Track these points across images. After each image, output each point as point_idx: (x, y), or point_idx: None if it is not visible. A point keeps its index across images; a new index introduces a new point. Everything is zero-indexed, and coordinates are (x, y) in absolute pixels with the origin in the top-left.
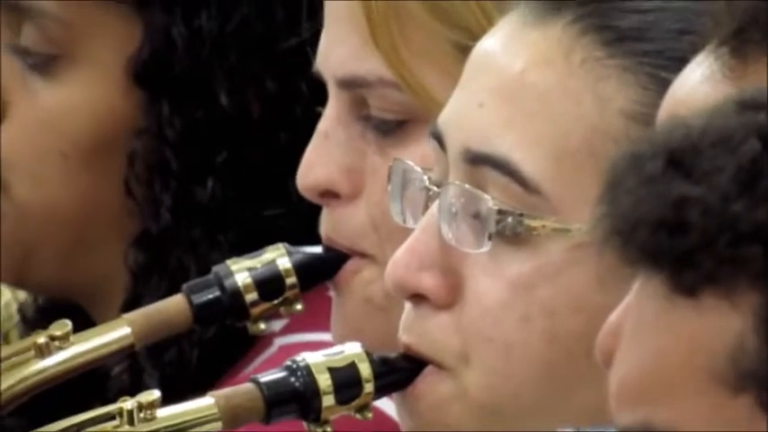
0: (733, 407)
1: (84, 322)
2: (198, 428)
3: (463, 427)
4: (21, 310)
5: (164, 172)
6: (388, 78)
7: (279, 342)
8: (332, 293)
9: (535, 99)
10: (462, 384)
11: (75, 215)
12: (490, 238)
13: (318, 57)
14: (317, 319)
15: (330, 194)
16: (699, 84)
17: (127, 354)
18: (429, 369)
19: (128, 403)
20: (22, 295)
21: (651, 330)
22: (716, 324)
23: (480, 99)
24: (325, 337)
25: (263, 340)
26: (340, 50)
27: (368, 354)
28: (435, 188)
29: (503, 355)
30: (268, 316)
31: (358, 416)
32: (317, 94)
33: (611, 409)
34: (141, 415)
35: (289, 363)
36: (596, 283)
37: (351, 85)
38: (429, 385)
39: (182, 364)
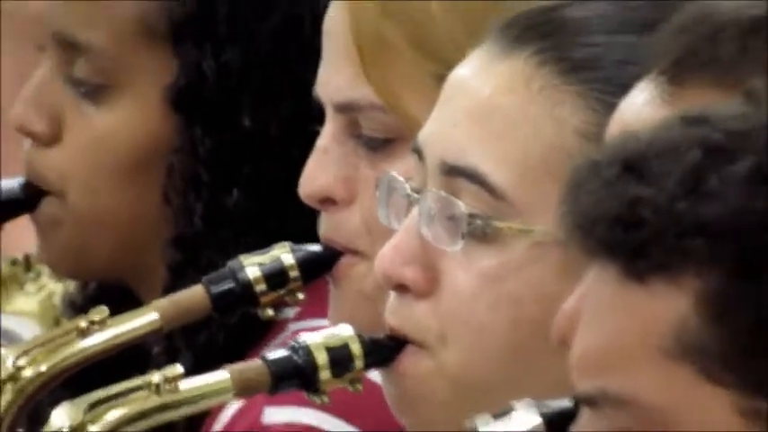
0: (677, 375)
1: (134, 304)
2: (214, 398)
3: (440, 399)
4: (68, 298)
5: (196, 184)
6: (377, 104)
7: (292, 327)
8: (329, 285)
9: (501, 120)
10: (440, 361)
11: (122, 220)
12: (463, 237)
13: (318, 84)
14: (325, 307)
15: (328, 201)
16: (641, 107)
17: (160, 335)
18: (411, 348)
19: (155, 376)
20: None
21: (607, 312)
22: (663, 306)
23: (454, 119)
24: (328, 322)
25: (279, 325)
26: (337, 79)
27: (359, 335)
28: (416, 195)
29: (475, 337)
30: (276, 304)
31: (350, 387)
32: (317, 114)
33: (573, 380)
34: (166, 387)
35: (292, 343)
36: (555, 276)
37: (346, 109)
38: (411, 362)
39: (211, 345)
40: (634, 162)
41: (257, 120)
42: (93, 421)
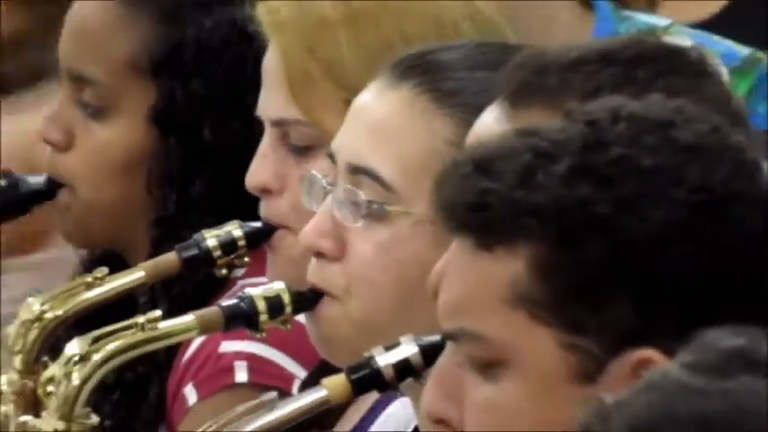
0: (514, 318)
1: (126, 266)
2: (183, 335)
3: (346, 335)
4: (79, 261)
5: (170, 180)
6: (302, 121)
7: (240, 283)
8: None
9: (391, 133)
10: (346, 309)
11: (117, 206)
12: (363, 217)
13: (259, 106)
14: (264, 268)
15: (266, 191)
16: (490, 123)
17: (145, 289)
18: (326, 299)
19: (140, 318)
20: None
21: (464, 272)
22: (504, 268)
23: (358, 133)
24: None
25: (231, 282)
26: (273, 103)
27: (288, 289)
28: (330, 187)
29: (371, 291)
30: (229, 266)
31: (282, 327)
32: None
33: (440, 321)
34: (148, 326)
35: (239, 294)
36: (429, 246)
37: (279, 124)
38: (325, 309)
39: (182, 296)
40: (482, 162)
41: (215, 132)
42: (96, 351)
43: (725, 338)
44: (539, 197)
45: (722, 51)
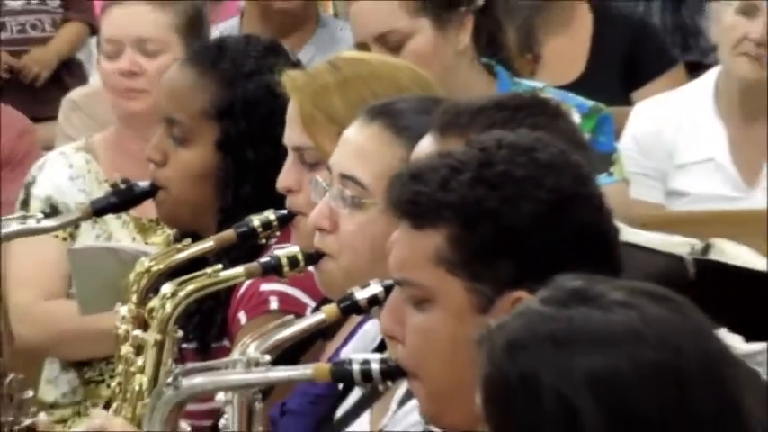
0: (438, 272)
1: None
2: (235, 279)
3: (338, 281)
4: (173, 237)
5: (228, 184)
6: (312, 146)
7: (273, 248)
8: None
9: (367, 155)
10: (338, 264)
11: (198, 203)
12: (348, 207)
13: (284, 137)
14: (289, 239)
15: (290, 191)
16: (424, 148)
17: (213, 253)
18: (325, 258)
19: (209, 270)
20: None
21: (405, 243)
22: (430, 240)
23: (346, 154)
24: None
25: (268, 247)
26: (293, 135)
27: (302, 251)
28: (328, 188)
29: (352, 252)
30: (266, 237)
31: (299, 274)
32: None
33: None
34: (213, 275)
35: (271, 255)
36: (389, 225)
37: (297, 149)
38: (325, 264)
39: (237, 257)
40: (416, 174)
41: (256, 155)
42: (181, 290)
43: (568, 281)
44: (451, 197)
45: (577, 103)
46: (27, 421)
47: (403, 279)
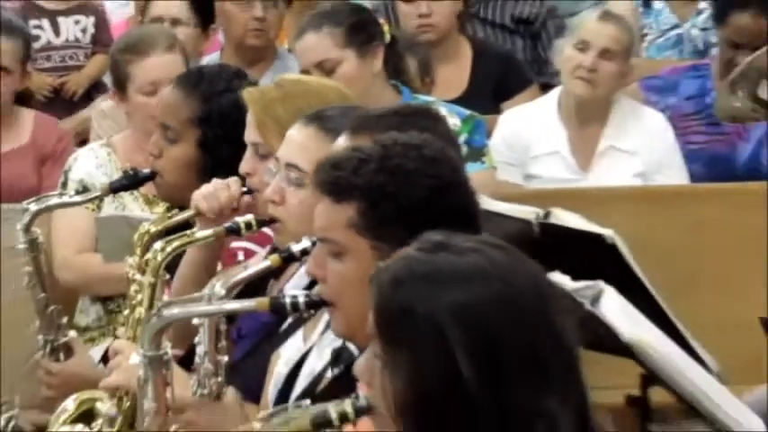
0: (350, 233)
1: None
2: (206, 239)
3: (285, 234)
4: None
5: (206, 172)
6: (264, 143)
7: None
8: None
9: (305, 149)
10: (285, 226)
11: (182, 184)
12: (292, 186)
13: (245, 136)
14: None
15: (248, 174)
16: (341, 143)
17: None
18: (277, 223)
19: (188, 232)
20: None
21: (325, 212)
22: (345, 211)
23: (291, 147)
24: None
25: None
26: (250, 134)
27: (255, 218)
28: (277, 173)
29: (294, 217)
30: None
31: (254, 234)
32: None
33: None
34: (191, 235)
35: (233, 221)
36: (318, 199)
37: (254, 144)
38: (277, 226)
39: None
40: (336, 162)
41: (226, 150)
42: (168, 245)
43: (434, 235)
44: (360, 180)
45: (458, 112)
46: (64, 339)
47: (324, 238)
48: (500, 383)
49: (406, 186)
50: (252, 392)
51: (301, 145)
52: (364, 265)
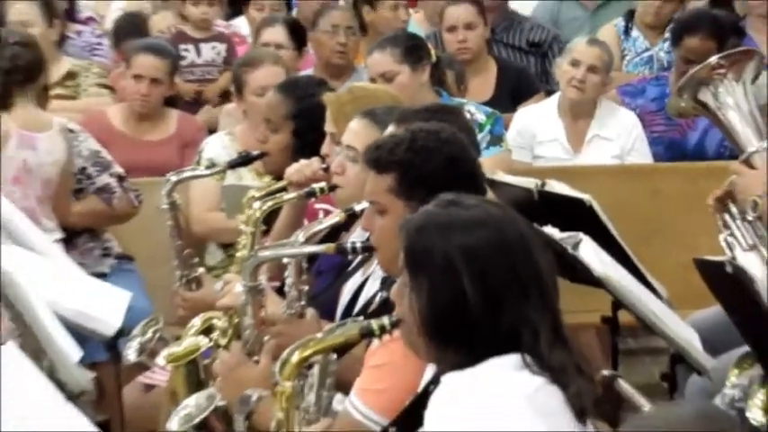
0: (390, 197)
1: None
2: (290, 201)
3: (345, 201)
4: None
5: (297, 151)
6: (336, 132)
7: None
8: None
9: (361, 135)
10: (345, 191)
11: (282, 161)
12: (350, 161)
13: (325, 126)
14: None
15: (326, 155)
16: (390, 130)
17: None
18: (338, 189)
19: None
20: None
21: (372, 181)
22: (385, 180)
23: (351, 134)
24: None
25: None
26: (328, 125)
27: (326, 184)
28: (341, 151)
29: (352, 185)
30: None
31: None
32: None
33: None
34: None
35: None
36: (366, 172)
37: (331, 134)
38: (338, 192)
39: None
40: (379, 144)
41: (312, 137)
42: (263, 205)
43: (447, 195)
44: (395, 158)
45: (483, 110)
46: (195, 275)
47: (371, 200)
48: (494, 301)
49: (426, 160)
50: (328, 314)
51: (357, 132)
52: (399, 220)
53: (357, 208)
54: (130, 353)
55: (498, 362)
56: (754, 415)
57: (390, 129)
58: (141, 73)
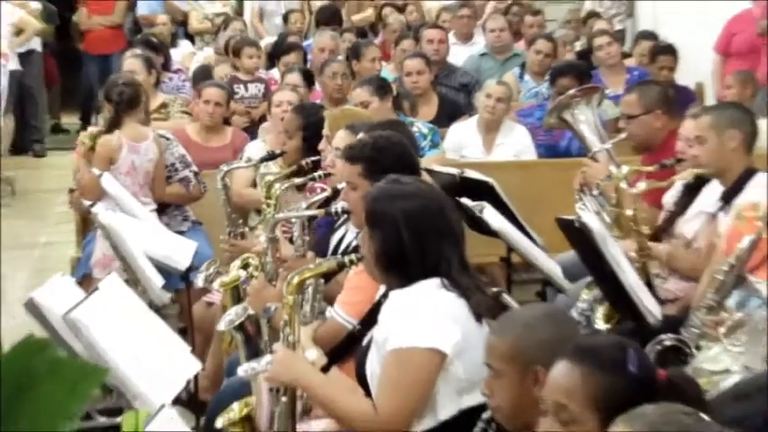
0: (359, 179)
1: None
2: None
3: (338, 180)
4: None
5: (305, 152)
6: (330, 136)
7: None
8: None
9: (342, 139)
10: (336, 177)
11: (297, 157)
12: (337, 157)
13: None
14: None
15: (332, 166)
16: (359, 137)
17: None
18: (331, 175)
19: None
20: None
21: (347, 169)
22: (355, 168)
23: (337, 138)
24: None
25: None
26: (324, 132)
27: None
28: (332, 151)
29: (339, 172)
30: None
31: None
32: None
33: None
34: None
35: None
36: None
37: (326, 137)
38: (332, 177)
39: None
40: (352, 146)
41: (313, 142)
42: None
43: (394, 176)
44: (363, 153)
45: (427, 126)
46: (239, 231)
47: (347, 181)
48: (422, 244)
49: (383, 155)
50: (322, 254)
51: (342, 138)
52: (363, 191)
53: (339, 186)
54: (198, 281)
55: (425, 283)
56: (598, 323)
57: (360, 135)
58: (208, 99)
